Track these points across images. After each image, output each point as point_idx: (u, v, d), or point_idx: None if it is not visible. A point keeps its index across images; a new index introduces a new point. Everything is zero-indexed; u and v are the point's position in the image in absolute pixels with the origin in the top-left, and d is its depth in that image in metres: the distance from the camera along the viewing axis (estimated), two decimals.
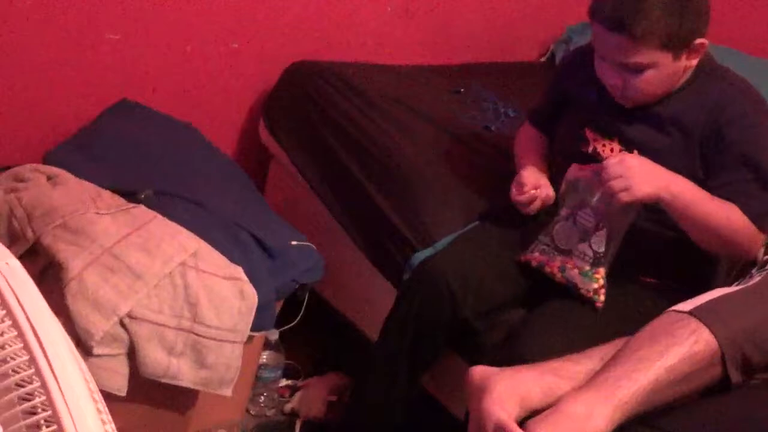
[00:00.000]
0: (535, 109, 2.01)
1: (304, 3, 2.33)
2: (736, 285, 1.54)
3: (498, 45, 2.72)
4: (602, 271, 1.70)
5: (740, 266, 1.77)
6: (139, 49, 2.12)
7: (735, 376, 1.36)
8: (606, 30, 1.64)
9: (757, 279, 1.53)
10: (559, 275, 1.72)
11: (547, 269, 1.74)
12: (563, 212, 1.74)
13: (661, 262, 1.74)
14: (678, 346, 1.32)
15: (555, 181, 1.82)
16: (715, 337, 1.34)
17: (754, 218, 1.68)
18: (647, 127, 1.75)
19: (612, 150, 1.76)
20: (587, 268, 1.70)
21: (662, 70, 1.66)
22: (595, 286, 1.69)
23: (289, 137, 2.24)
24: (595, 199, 1.68)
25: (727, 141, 1.69)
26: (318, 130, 2.18)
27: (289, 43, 2.34)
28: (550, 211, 1.80)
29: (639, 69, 1.65)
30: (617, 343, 1.40)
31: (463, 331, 1.75)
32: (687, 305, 1.41)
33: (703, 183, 1.68)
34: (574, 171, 1.72)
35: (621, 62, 1.66)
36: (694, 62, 1.70)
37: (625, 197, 1.61)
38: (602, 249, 1.69)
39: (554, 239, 1.74)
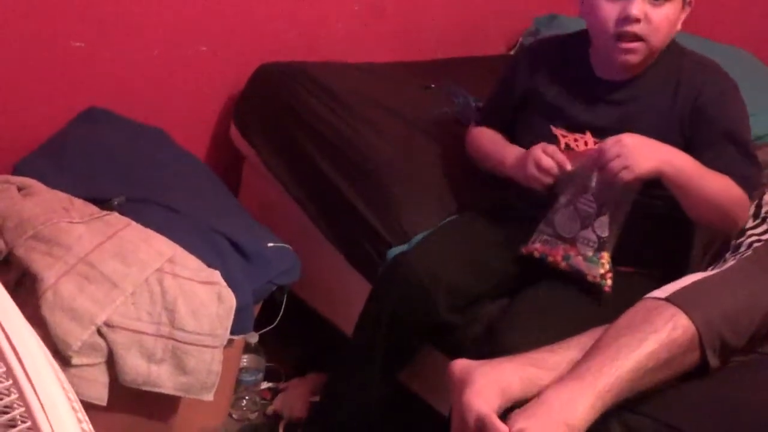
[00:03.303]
0: (489, 109, 1.99)
1: (272, 4, 2.33)
2: (711, 269, 1.56)
3: (467, 39, 2.72)
4: (606, 255, 1.69)
5: (714, 251, 1.78)
6: (105, 55, 2.11)
7: (713, 361, 1.37)
8: None
9: (731, 263, 1.55)
10: (563, 264, 1.71)
11: (551, 259, 1.73)
12: (562, 200, 1.72)
13: (637, 251, 1.75)
14: (656, 332, 1.33)
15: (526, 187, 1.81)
16: (693, 321, 1.35)
17: (747, 188, 1.70)
18: (619, 114, 1.76)
19: (586, 143, 1.76)
20: (591, 253, 1.69)
21: (674, 10, 1.69)
22: (602, 271, 1.68)
23: (260, 139, 2.23)
24: (593, 183, 1.67)
25: (708, 117, 1.72)
26: (290, 131, 2.17)
27: (257, 45, 2.33)
28: (536, 205, 1.78)
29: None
30: (595, 333, 1.41)
31: (440, 325, 1.75)
32: (663, 292, 1.42)
33: None
34: (574, 160, 1.70)
35: None
36: (680, 25, 1.73)
37: (626, 175, 1.60)
38: (605, 233, 1.68)
39: (556, 228, 1.72)
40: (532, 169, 1.71)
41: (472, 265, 1.76)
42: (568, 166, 1.69)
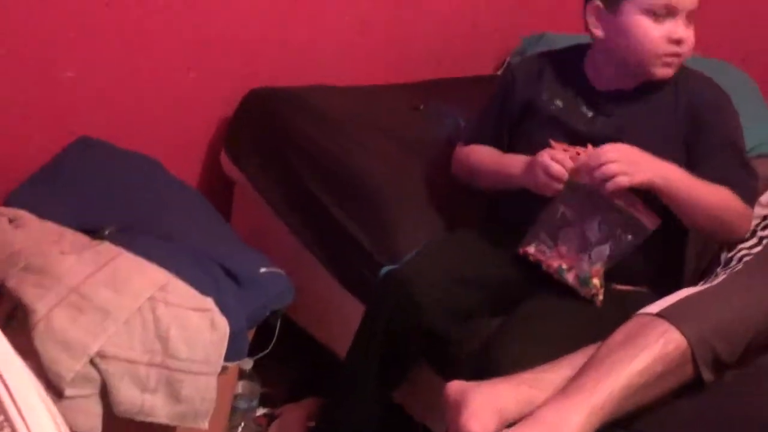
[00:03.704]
0: (482, 126, 1.98)
1: (260, 28, 2.33)
2: (702, 284, 1.56)
3: (455, 59, 2.73)
4: (599, 273, 1.69)
5: (705, 266, 1.79)
6: (95, 84, 2.11)
7: (707, 375, 1.37)
8: None
9: (722, 277, 1.55)
10: (556, 275, 1.72)
11: (544, 267, 1.73)
12: (569, 214, 1.72)
13: (632, 270, 1.75)
14: (649, 348, 1.34)
15: (518, 200, 1.82)
16: (685, 336, 1.35)
17: (746, 198, 1.72)
18: (621, 126, 1.77)
19: (588, 155, 1.76)
20: (584, 274, 1.70)
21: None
22: (593, 291, 1.70)
23: (251, 165, 2.23)
24: (608, 210, 1.67)
25: (709, 126, 1.75)
26: (280, 155, 2.17)
27: (247, 69, 2.34)
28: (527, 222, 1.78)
29: (693, 17, 1.74)
30: (589, 351, 1.41)
31: (433, 342, 1.75)
32: (655, 307, 1.42)
33: (689, 170, 1.71)
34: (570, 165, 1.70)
35: (693, 8, 1.73)
36: None
37: (623, 181, 1.62)
38: (602, 261, 1.69)
39: (558, 241, 1.72)
40: (541, 176, 1.71)
41: (464, 278, 1.76)
42: (576, 175, 1.69)
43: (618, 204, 1.67)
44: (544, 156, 1.70)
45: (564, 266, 1.71)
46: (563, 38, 2.13)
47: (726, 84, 1.86)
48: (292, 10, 2.38)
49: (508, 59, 2.72)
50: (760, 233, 1.71)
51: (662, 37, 1.72)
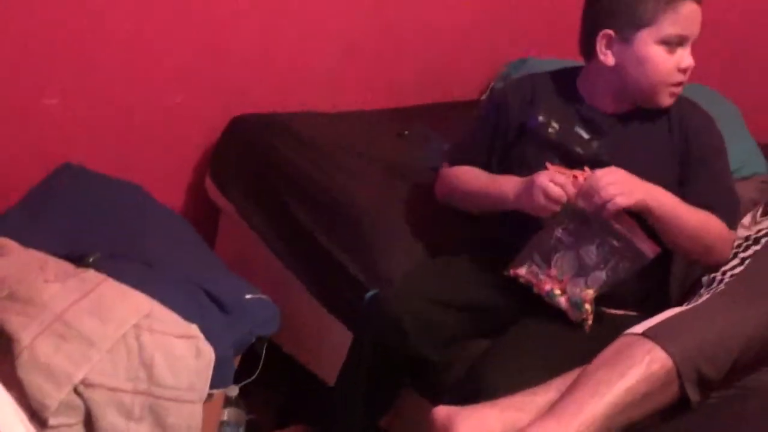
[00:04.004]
0: (468, 148, 1.97)
1: (245, 54, 2.34)
2: (687, 304, 1.57)
3: (440, 84, 2.75)
4: (591, 295, 1.69)
5: (689, 286, 1.80)
6: (78, 111, 2.11)
7: (693, 394, 1.37)
8: (696, 4, 1.74)
9: (705, 297, 1.56)
10: (547, 298, 1.72)
11: (535, 290, 1.73)
12: (565, 238, 1.72)
13: (622, 293, 1.75)
14: (634, 367, 1.34)
15: (507, 222, 1.82)
16: (670, 355, 1.36)
17: (729, 222, 1.75)
18: (617, 150, 1.78)
19: (586, 180, 1.75)
20: (576, 297, 1.69)
21: None
22: (584, 316, 1.70)
23: (237, 191, 2.23)
24: (607, 235, 1.68)
25: (697, 150, 1.79)
26: (265, 181, 2.18)
27: (232, 95, 2.35)
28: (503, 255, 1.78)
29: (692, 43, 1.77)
30: (573, 374, 1.41)
31: (420, 366, 1.75)
32: (640, 327, 1.43)
33: (677, 192, 1.74)
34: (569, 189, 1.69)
35: (697, 37, 1.76)
36: None
37: (622, 201, 1.63)
38: (596, 286, 1.69)
39: (551, 265, 1.72)
40: (540, 198, 1.69)
41: (451, 302, 1.76)
42: (574, 199, 1.69)
43: (618, 229, 1.67)
44: (544, 178, 1.70)
45: (556, 290, 1.70)
46: (547, 63, 2.15)
47: (708, 108, 1.88)
48: (279, 36, 2.39)
49: (492, 84, 2.74)
50: (741, 255, 1.72)
51: (674, 66, 1.75)
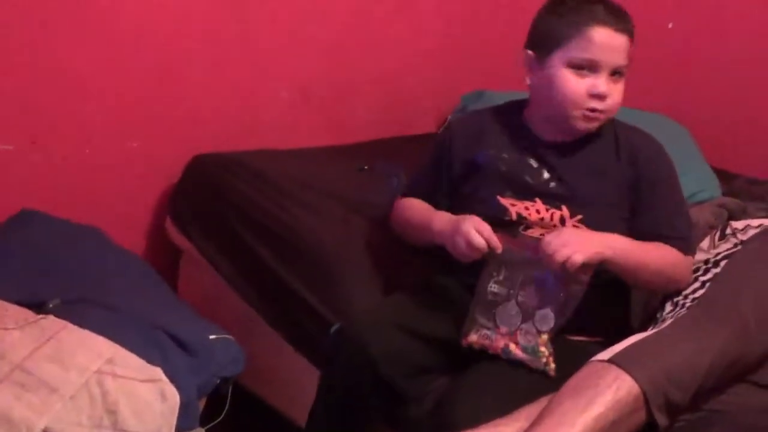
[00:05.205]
0: (417, 182, 1.97)
1: (200, 96, 2.34)
2: (651, 329, 1.58)
3: (396, 119, 2.77)
4: (545, 341, 1.67)
5: (651, 310, 1.81)
6: (34, 157, 2.10)
7: (661, 419, 1.38)
8: (614, 32, 1.71)
9: (669, 322, 1.57)
10: (503, 356, 1.69)
11: (491, 351, 1.70)
12: (499, 290, 1.70)
13: (583, 322, 1.74)
14: (601, 395, 1.34)
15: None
16: (636, 381, 1.36)
17: (684, 248, 1.75)
18: (567, 178, 1.79)
19: (538, 211, 1.75)
20: (531, 345, 1.67)
21: (624, 83, 1.77)
22: (543, 360, 1.67)
23: (197, 231, 2.22)
24: (538, 275, 1.66)
25: (648, 179, 1.78)
26: (226, 221, 2.17)
27: (189, 137, 2.34)
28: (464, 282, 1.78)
29: (622, 73, 1.75)
30: (542, 402, 1.41)
31: (390, 399, 1.73)
32: (606, 354, 1.43)
33: (629, 222, 1.75)
34: (505, 242, 1.68)
35: (617, 66, 1.73)
36: None
37: (579, 258, 1.60)
38: (547, 327, 1.67)
39: (497, 321, 1.69)
40: (461, 245, 1.69)
41: (417, 333, 1.73)
42: (499, 251, 1.67)
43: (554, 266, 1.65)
44: (468, 225, 1.69)
45: (510, 345, 1.69)
46: (503, 95, 2.17)
47: (660, 134, 1.90)
48: (233, 78, 2.40)
49: (449, 117, 2.77)
50: (702, 278, 1.74)
51: (583, 90, 1.74)
